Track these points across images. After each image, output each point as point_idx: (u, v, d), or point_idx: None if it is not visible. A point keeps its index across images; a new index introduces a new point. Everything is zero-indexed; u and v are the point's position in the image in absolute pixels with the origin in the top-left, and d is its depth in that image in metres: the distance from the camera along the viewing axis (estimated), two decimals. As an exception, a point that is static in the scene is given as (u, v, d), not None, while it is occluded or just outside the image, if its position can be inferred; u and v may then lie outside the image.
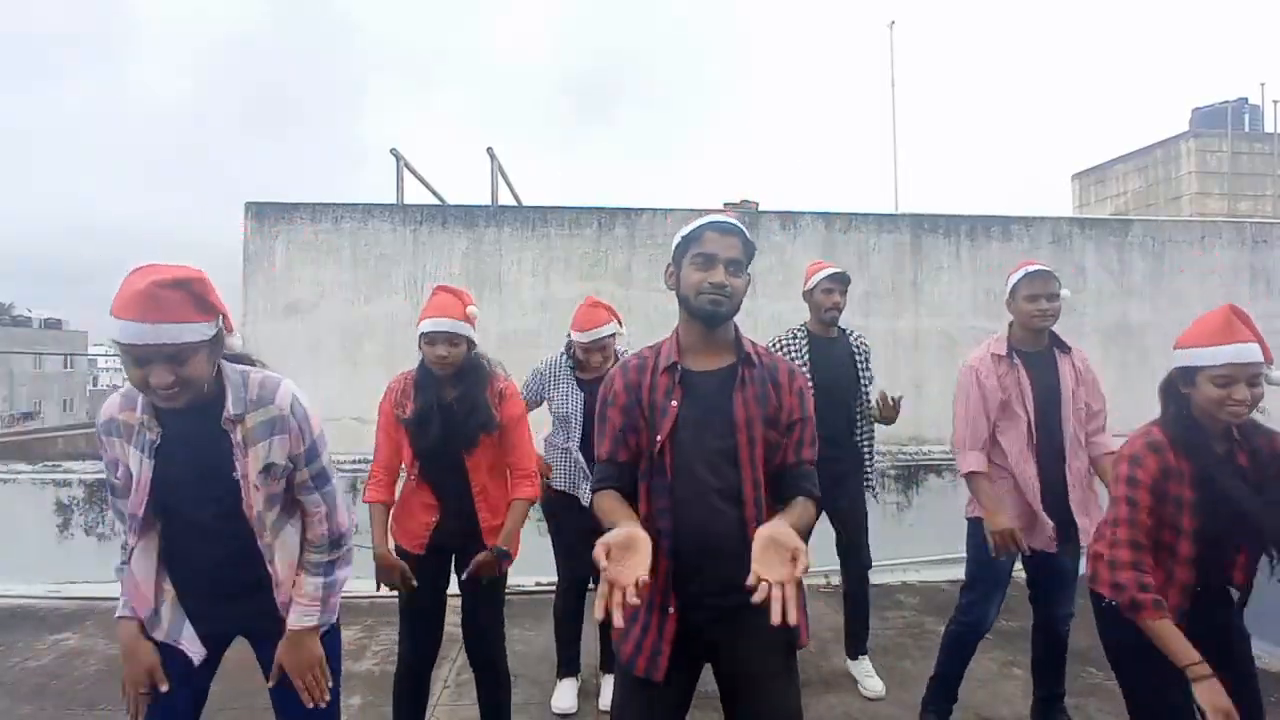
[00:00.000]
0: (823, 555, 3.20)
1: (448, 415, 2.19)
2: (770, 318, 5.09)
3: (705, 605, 1.52)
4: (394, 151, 5.80)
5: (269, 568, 1.60)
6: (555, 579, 3.07)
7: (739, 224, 1.59)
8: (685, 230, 1.59)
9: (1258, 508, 1.63)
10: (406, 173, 5.90)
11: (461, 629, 2.33)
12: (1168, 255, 5.82)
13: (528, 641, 3.45)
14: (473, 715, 2.75)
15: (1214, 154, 14.09)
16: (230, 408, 1.50)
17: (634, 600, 1.22)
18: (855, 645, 3.15)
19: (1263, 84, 15.09)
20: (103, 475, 4.43)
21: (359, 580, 3.97)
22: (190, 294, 1.38)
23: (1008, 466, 2.47)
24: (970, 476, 2.49)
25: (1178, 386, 1.74)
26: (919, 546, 4.49)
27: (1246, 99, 14.88)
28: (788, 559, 1.27)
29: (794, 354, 3.01)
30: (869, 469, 3.12)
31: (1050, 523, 2.41)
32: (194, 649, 1.59)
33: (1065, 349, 2.53)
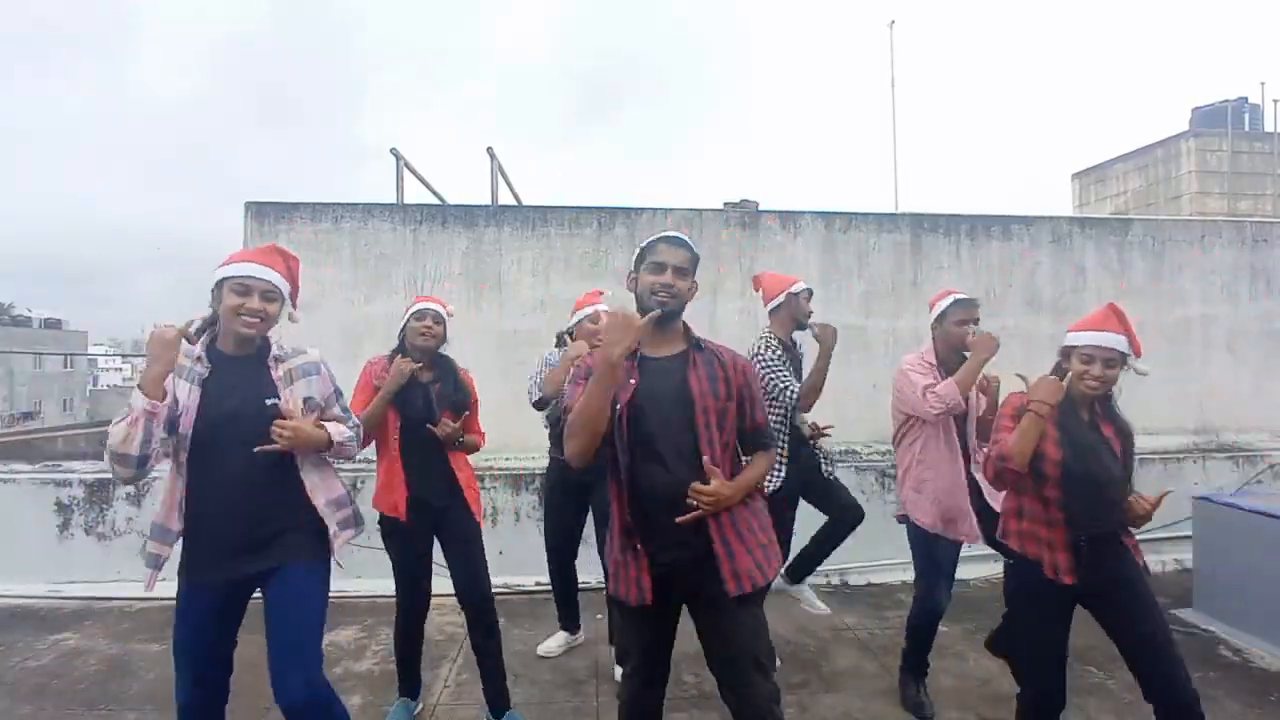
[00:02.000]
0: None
1: (428, 390, 2.61)
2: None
3: (670, 549, 1.79)
4: (394, 151, 5.79)
5: (300, 476, 1.93)
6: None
7: (686, 238, 1.89)
8: (643, 243, 1.90)
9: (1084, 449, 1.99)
10: (406, 172, 5.89)
11: (452, 579, 2.61)
12: (1168, 255, 5.82)
13: (527, 641, 3.45)
14: (472, 715, 2.76)
15: (1214, 153, 14.09)
16: (275, 351, 1.99)
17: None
18: (800, 569, 3.12)
19: (1263, 83, 15.11)
20: (102, 475, 4.47)
21: (359, 580, 4.00)
22: (287, 264, 1.99)
23: (938, 467, 2.69)
24: (947, 394, 2.55)
25: (1061, 361, 2.13)
26: (919, 546, 4.48)
27: (1246, 98, 14.88)
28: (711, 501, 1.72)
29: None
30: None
31: (971, 514, 2.64)
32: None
33: None
